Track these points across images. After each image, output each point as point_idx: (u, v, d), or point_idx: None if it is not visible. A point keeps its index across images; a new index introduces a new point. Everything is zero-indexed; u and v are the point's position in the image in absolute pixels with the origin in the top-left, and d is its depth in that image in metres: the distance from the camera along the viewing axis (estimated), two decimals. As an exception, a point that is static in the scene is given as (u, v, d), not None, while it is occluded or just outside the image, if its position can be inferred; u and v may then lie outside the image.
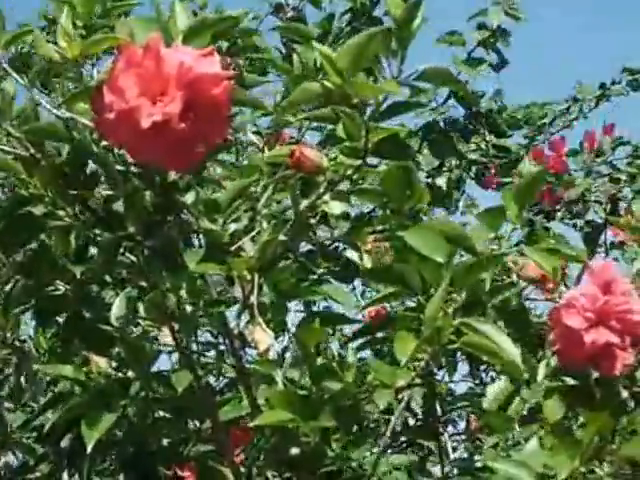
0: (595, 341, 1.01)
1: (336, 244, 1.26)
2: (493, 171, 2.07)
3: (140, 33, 0.95)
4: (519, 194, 1.10)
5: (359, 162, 0.99)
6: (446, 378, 1.95)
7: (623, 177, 2.39)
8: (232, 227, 1.17)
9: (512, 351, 1.01)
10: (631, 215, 2.15)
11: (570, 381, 1.09)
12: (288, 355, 1.39)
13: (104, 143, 1.10)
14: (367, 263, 1.30)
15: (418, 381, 1.05)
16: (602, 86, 2.64)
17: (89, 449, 1.00)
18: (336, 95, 0.92)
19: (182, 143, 0.93)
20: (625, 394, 1.07)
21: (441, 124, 1.76)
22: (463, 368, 2.09)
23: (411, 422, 1.33)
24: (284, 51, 1.74)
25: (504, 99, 2.08)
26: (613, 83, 2.64)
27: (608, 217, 2.29)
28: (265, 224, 1.15)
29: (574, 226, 2.38)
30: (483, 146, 1.96)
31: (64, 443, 1.23)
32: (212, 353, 1.29)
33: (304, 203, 1.09)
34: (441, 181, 1.78)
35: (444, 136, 1.43)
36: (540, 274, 1.13)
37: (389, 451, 1.29)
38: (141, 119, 0.91)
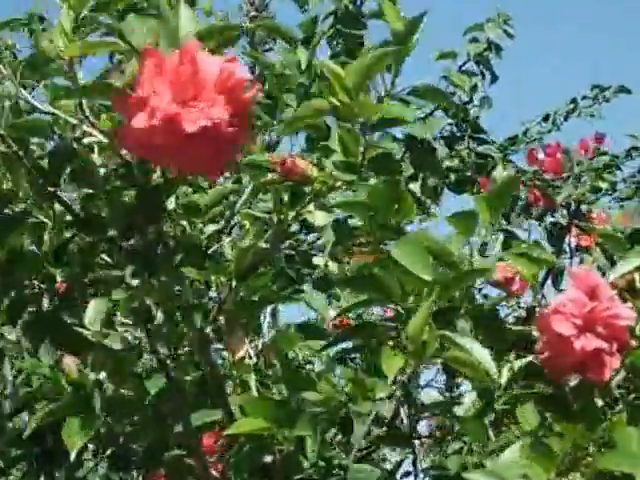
0: (585, 347, 1.01)
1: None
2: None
3: (142, 37, 0.93)
4: (492, 200, 1.08)
5: (354, 177, 0.99)
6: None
7: (604, 186, 2.45)
8: (210, 229, 1.16)
9: (490, 364, 1.02)
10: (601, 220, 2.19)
11: (545, 388, 1.10)
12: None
13: (85, 141, 1.09)
14: (333, 269, 1.30)
15: (398, 393, 1.07)
16: (573, 101, 2.71)
17: (73, 457, 0.98)
18: (342, 112, 0.92)
19: (222, 148, 0.92)
20: (600, 403, 1.08)
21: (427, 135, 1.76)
22: (433, 375, 2.11)
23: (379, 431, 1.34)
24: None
25: (491, 106, 2.09)
26: (583, 98, 2.71)
27: (572, 222, 2.32)
28: (247, 225, 1.14)
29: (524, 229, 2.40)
30: (464, 154, 1.98)
31: (40, 445, 1.21)
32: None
33: (289, 212, 1.09)
34: (415, 186, 1.78)
35: (428, 151, 1.43)
36: (504, 277, 1.14)
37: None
38: (186, 124, 0.88)
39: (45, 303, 1.15)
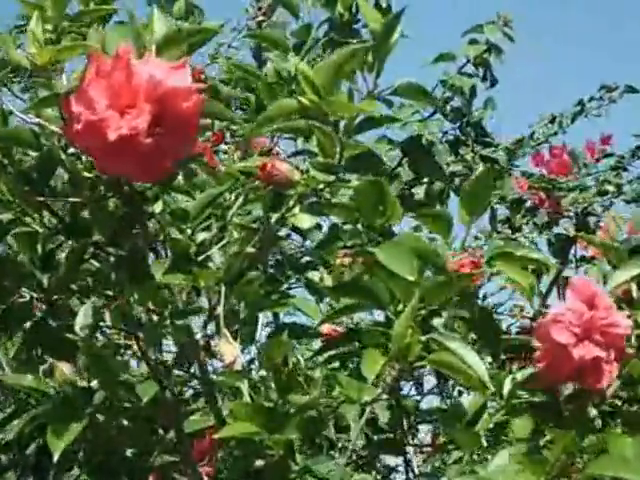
0: (584, 356, 1.01)
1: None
2: None
3: (113, 41, 0.93)
4: (468, 196, 1.05)
5: (332, 178, 0.98)
6: (413, 392, 1.96)
7: (611, 188, 2.41)
8: (201, 237, 1.16)
9: (480, 369, 1.01)
10: (604, 231, 2.16)
11: (538, 397, 1.09)
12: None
13: (72, 150, 1.09)
14: (327, 282, 1.30)
15: (384, 396, 1.05)
16: (580, 102, 2.67)
17: (55, 458, 0.99)
18: (312, 112, 0.91)
19: (149, 156, 0.92)
20: (594, 412, 1.07)
21: (424, 139, 1.74)
22: (431, 381, 2.09)
23: (376, 437, 1.32)
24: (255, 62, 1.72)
25: (495, 107, 2.06)
26: (591, 99, 2.67)
27: (577, 233, 2.29)
28: (235, 234, 1.14)
29: (534, 241, 2.38)
30: (469, 157, 1.95)
31: (28, 452, 1.21)
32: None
33: (274, 216, 1.09)
34: (419, 190, 1.75)
35: (425, 153, 1.40)
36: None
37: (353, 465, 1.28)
38: (108, 132, 0.90)
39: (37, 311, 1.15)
